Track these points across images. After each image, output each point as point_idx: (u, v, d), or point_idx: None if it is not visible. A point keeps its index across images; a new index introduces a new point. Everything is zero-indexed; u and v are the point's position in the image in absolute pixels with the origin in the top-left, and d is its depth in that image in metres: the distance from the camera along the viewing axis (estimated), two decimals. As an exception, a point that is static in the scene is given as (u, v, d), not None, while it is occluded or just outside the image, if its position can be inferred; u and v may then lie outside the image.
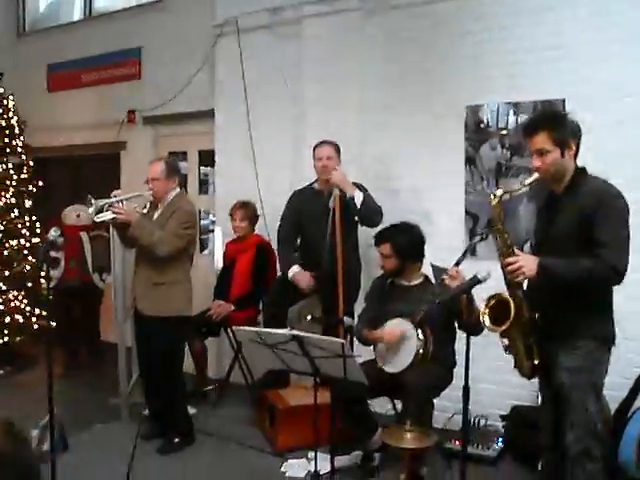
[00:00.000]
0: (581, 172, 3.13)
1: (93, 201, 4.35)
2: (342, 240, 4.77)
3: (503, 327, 3.11)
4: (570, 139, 3.07)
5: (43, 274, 6.29)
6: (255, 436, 4.87)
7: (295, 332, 3.44)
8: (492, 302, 3.16)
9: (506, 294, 3.15)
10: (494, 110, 4.82)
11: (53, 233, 3.90)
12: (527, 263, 3.04)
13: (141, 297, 4.61)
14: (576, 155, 3.13)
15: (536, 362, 3.19)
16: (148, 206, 4.69)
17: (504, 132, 4.78)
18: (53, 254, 6.45)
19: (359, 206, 4.77)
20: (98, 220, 4.45)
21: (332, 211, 4.77)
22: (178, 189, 4.72)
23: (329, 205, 4.79)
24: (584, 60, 4.46)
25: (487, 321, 3.15)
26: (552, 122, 3.08)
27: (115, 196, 4.43)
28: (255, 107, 5.99)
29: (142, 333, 4.70)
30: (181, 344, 4.82)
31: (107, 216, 4.42)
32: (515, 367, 3.29)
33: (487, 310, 3.16)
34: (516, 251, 3.12)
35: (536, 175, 3.13)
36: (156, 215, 4.64)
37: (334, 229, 4.76)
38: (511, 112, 4.75)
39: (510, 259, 3.08)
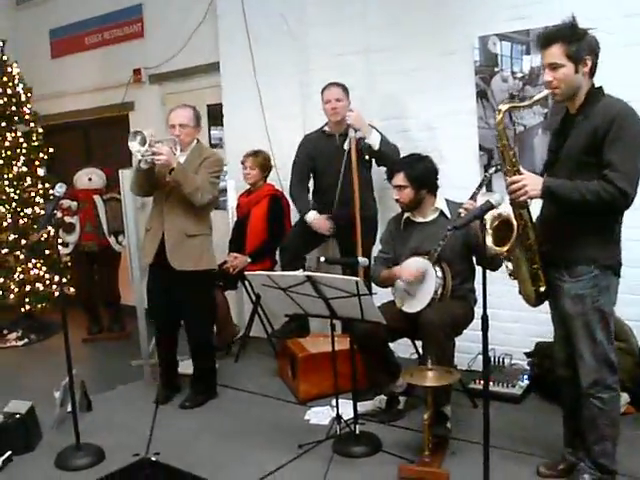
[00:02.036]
0: (597, 91, 2.97)
1: (138, 132, 4.06)
2: (359, 181, 4.69)
3: (505, 247, 3.02)
4: (586, 55, 2.90)
5: (60, 240, 6.31)
6: (278, 387, 4.86)
7: (308, 273, 3.38)
8: (496, 222, 3.05)
9: (510, 214, 3.04)
10: (503, 40, 4.65)
11: (59, 189, 3.82)
12: (531, 182, 2.91)
13: (172, 250, 4.35)
14: (592, 73, 2.96)
15: (542, 289, 3.11)
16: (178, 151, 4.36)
17: (513, 60, 4.62)
18: (68, 219, 6.41)
19: (378, 146, 4.71)
20: (139, 155, 4.08)
21: (348, 153, 4.68)
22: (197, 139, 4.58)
23: (345, 147, 4.69)
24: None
25: (489, 241, 3.04)
26: (568, 35, 2.89)
27: (152, 135, 4.12)
28: (260, 56, 5.87)
29: (165, 287, 4.48)
30: (211, 297, 4.76)
31: (147, 155, 4.08)
32: (520, 293, 3.22)
33: (491, 231, 3.05)
34: (522, 170, 2.99)
35: (546, 92, 2.98)
36: (181, 161, 4.35)
37: (350, 170, 4.67)
38: (522, 41, 4.56)
39: (514, 178, 2.96)
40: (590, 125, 2.89)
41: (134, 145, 4.06)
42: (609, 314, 3.02)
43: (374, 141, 4.73)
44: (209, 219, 4.58)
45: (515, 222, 2.99)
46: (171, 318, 4.60)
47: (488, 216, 2.99)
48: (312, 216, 4.95)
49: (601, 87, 2.98)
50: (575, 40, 2.88)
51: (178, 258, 4.37)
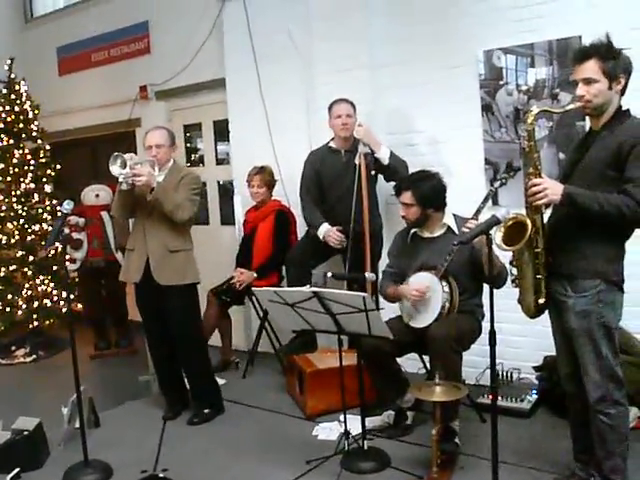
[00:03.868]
0: (624, 111, 2.98)
1: (118, 155, 4.14)
2: (368, 197, 4.71)
3: (514, 247, 3.01)
4: (620, 73, 2.92)
5: (67, 256, 6.33)
6: (286, 402, 4.84)
7: (315, 288, 3.38)
8: (510, 222, 3.03)
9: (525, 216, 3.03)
10: (508, 54, 4.66)
11: (66, 206, 3.85)
12: (552, 187, 2.91)
13: (157, 266, 4.44)
14: (623, 92, 2.97)
15: (541, 300, 3.11)
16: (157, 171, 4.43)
17: (518, 73, 4.64)
18: (75, 235, 6.43)
19: (387, 161, 4.74)
20: (121, 178, 4.18)
21: (358, 168, 4.69)
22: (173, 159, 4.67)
23: (355, 162, 4.71)
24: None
25: (499, 238, 3.02)
26: (604, 51, 2.91)
27: (132, 157, 4.23)
28: (265, 71, 5.89)
29: (153, 304, 4.53)
30: (198, 310, 4.77)
31: (128, 177, 4.18)
32: (519, 302, 3.22)
33: (503, 229, 3.03)
34: (543, 175, 2.99)
35: (578, 104, 2.97)
36: (157, 178, 4.41)
37: (360, 186, 4.67)
38: (526, 54, 4.58)
39: (535, 180, 2.95)
40: (615, 140, 2.89)
41: (115, 168, 4.16)
42: (614, 329, 3.01)
43: (383, 156, 4.75)
44: (190, 235, 4.63)
45: (530, 224, 2.98)
46: (163, 334, 4.62)
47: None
48: (325, 228, 4.94)
49: (628, 109, 2.99)
50: (611, 57, 2.90)
51: (164, 274, 4.45)
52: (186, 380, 4.78)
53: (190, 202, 4.44)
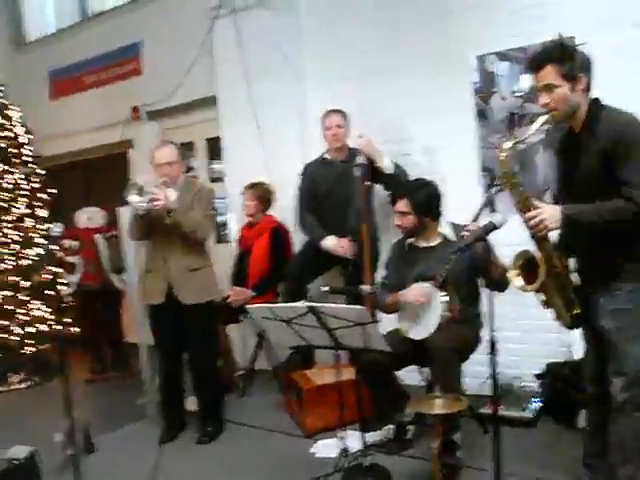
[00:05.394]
0: (596, 105, 2.91)
1: (134, 183, 4.11)
2: (368, 208, 4.70)
3: (535, 285, 2.94)
4: (580, 72, 2.85)
5: (60, 280, 6.28)
6: (285, 421, 4.75)
7: (310, 303, 3.30)
8: (520, 261, 2.98)
9: (533, 250, 2.96)
10: (502, 60, 4.64)
11: (55, 229, 3.81)
12: (549, 215, 2.83)
13: (180, 286, 4.39)
14: (589, 89, 2.90)
15: (576, 311, 3.01)
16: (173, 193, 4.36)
17: (511, 78, 4.61)
18: (69, 259, 6.39)
19: (391, 170, 4.72)
20: (142, 209, 4.13)
21: (358, 179, 4.63)
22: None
23: (355, 173, 4.64)
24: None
25: (518, 282, 2.98)
26: (559, 55, 2.84)
27: (146, 182, 4.19)
28: (257, 87, 5.85)
29: (172, 324, 4.47)
30: (217, 328, 4.80)
31: (144, 203, 4.11)
32: (556, 319, 3.11)
33: (516, 270, 2.98)
34: (535, 203, 2.91)
35: (545, 116, 2.90)
36: (174, 198, 4.35)
37: (361, 197, 4.62)
38: (519, 58, 4.53)
39: (531, 213, 2.87)
40: (597, 145, 2.83)
41: (133, 198, 4.10)
42: None
43: (387, 165, 4.72)
44: (208, 251, 4.61)
45: (541, 259, 2.91)
46: (178, 354, 4.61)
47: (510, 256, 2.96)
48: (332, 240, 4.88)
49: (598, 99, 2.92)
50: (567, 59, 2.83)
51: (187, 293, 4.40)
52: (190, 400, 4.75)
53: (207, 219, 4.43)
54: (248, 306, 3.64)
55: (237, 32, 5.91)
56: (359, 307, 3.28)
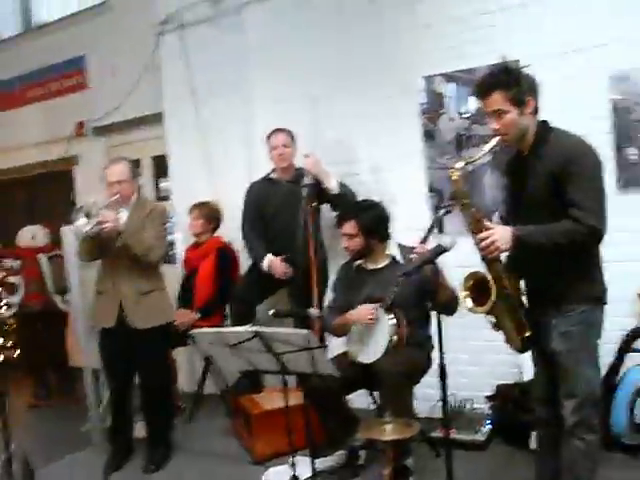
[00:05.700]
0: (544, 127, 2.91)
1: (81, 207, 4.01)
2: (315, 230, 4.63)
3: (485, 307, 2.90)
4: (527, 96, 2.84)
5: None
6: (233, 447, 4.65)
7: (256, 328, 3.22)
8: (470, 282, 2.95)
9: (483, 272, 2.93)
10: (449, 81, 4.62)
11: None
12: (501, 236, 2.81)
13: (131, 310, 4.26)
14: (536, 111, 2.90)
15: (527, 334, 2.97)
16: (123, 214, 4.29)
17: (459, 100, 4.61)
18: (11, 279, 6.18)
19: (337, 190, 4.64)
20: (90, 232, 4.01)
21: (305, 200, 4.57)
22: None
23: (302, 194, 4.59)
24: (533, 18, 4.32)
25: (469, 303, 2.95)
26: (505, 80, 2.83)
27: (94, 204, 4.07)
28: (204, 105, 5.79)
29: (123, 348, 4.33)
30: (169, 352, 4.72)
31: (92, 226, 3.99)
32: (506, 342, 3.08)
33: (467, 292, 2.95)
34: (487, 224, 2.89)
35: (496, 139, 2.89)
36: (124, 219, 4.27)
37: (307, 218, 4.56)
38: (467, 80, 4.53)
39: (482, 235, 2.84)
40: (545, 167, 2.82)
41: (80, 222, 3.99)
42: (596, 350, 2.93)
43: (334, 186, 4.65)
44: (160, 273, 4.50)
45: (492, 281, 2.88)
46: (129, 379, 4.49)
47: (460, 278, 2.93)
48: (268, 260, 4.81)
49: (546, 121, 2.92)
50: (514, 84, 2.82)
51: (138, 317, 4.28)
52: (139, 425, 4.64)
53: (159, 241, 4.31)
54: (193, 331, 3.54)
55: (184, 48, 5.84)
56: (305, 331, 3.21)
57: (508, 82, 2.82)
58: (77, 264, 4.90)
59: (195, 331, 3.53)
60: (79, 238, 4.31)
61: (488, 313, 2.99)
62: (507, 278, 2.93)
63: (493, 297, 2.86)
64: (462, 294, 2.97)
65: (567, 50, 4.20)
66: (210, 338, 3.43)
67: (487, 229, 2.86)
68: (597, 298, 2.92)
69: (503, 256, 2.97)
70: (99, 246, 4.23)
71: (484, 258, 2.92)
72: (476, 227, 2.89)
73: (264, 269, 4.83)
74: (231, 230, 5.39)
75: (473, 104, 4.54)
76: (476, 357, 4.49)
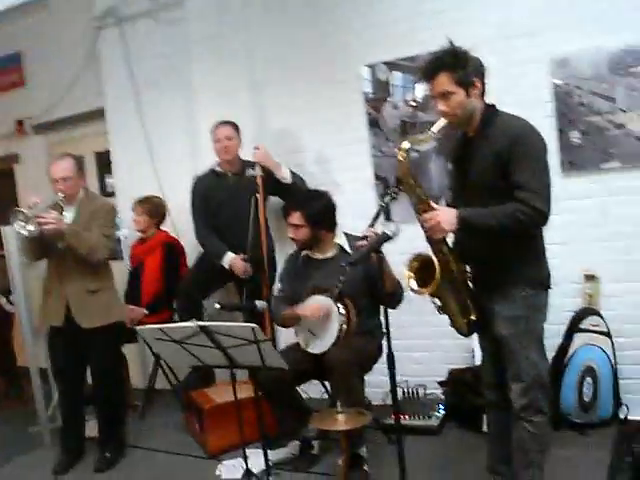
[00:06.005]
0: (491, 110, 2.91)
1: (19, 210, 3.86)
2: (265, 222, 4.62)
3: (429, 289, 2.88)
4: (474, 77, 2.83)
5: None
6: (187, 442, 4.60)
7: (201, 322, 3.18)
8: (415, 263, 2.92)
9: (428, 252, 2.91)
10: (393, 69, 4.62)
11: None
12: (445, 217, 2.80)
13: (78, 309, 4.16)
14: (483, 93, 2.89)
15: (472, 318, 2.98)
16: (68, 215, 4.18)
17: (404, 88, 4.61)
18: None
19: (289, 179, 4.65)
20: (31, 234, 3.88)
21: (252, 192, 4.56)
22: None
23: (249, 186, 4.59)
24: (477, 5, 4.35)
25: (413, 285, 2.91)
26: (451, 62, 2.81)
27: (35, 204, 3.93)
28: (146, 98, 5.71)
29: (73, 348, 4.25)
30: (120, 351, 4.63)
31: (34, 228, 3.86)
32: (452, 326, 3.09)
33: (412, 273, 2.92)
34: (433, 205, 2.88)
35: (444, 121, 2.87)
36: (70, 218, 4.17)
37: (257, 210, 4.55)
38: (410, 68, 4.54)
39: (427, 215, 2.83)
40: (491, 148, 2.81)
41: (19, 225, 3.86)
42: (541, 333, 2.94)
43: (285, 175, 4.65)
44: (109, 271, 4.41)
45: (436, 261, 2.86)
46: (78, 378, 4.40)
47: (406, 258, 2.89)
48: (230, 258, 4.75)
49: (493, 105, 2.92)
50: (460, 65, 2.80)
51: (85, 317, 4.19)
52: (91, 424, 4.56)
53: (105, 239, 4.20)
54: (138, 327, 3.47)
55: (124, 43, 5.75)
56: (252, 325, 3.17)
57: (454, 64, 2.80)
58: (20, 264, 4.81)
59: (140, 328, 3.47)
60: (20, 239, 4.22)
61: (433, 295, 2.98)
62: (453, 261, 2.93)
63: (438, 277, 2.84)
64: (406, 275, 2.93)
65: (509, 35, 4.23)
66: (155, 334, 3.36)
67: (433, 210, 2.86)
68: (541, 282, 2.93)
69: (450, 240, 2.97)
70: (43, 246, 4.14)
71: (429, 239, 2.92)
72: (422, 208, 2.88)
73: (225, 267, 4.76)
74: (178, 224, 5.34)
75: (419, 92, 4.54)
76: (429, 343, 4.52)
